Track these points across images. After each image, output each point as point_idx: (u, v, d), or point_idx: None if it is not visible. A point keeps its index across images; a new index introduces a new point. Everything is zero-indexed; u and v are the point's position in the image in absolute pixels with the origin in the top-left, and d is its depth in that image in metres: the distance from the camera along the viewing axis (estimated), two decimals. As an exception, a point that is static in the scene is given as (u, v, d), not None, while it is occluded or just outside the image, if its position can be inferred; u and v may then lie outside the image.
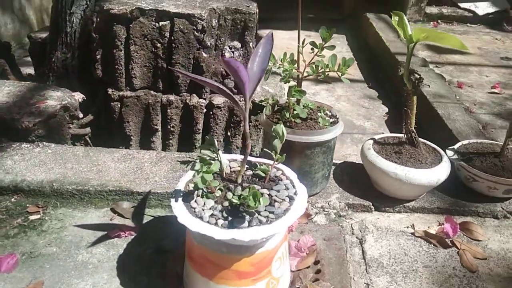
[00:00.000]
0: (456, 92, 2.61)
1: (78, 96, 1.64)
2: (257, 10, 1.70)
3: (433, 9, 4.01)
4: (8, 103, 1.49)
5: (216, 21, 1.63)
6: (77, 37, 1.77)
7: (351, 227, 1.21)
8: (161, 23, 1.56)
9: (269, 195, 0.91)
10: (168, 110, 1.69)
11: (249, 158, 1.05)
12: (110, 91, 1.66)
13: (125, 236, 1.16)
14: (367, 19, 3.87)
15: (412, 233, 1.19)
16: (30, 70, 2.41)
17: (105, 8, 1.54)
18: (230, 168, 1.00)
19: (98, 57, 1.63)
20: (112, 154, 1.42)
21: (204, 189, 0.90)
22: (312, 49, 1.15)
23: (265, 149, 0.96)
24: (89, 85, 1.80)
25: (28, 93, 1.57)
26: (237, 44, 1.70)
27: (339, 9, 4.49)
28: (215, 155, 0.96)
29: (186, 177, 0.97)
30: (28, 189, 1.26)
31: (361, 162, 1.41)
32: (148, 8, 1.55)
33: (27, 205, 1.24)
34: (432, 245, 1.15)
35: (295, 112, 1.16)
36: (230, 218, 0.84)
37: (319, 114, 1.23)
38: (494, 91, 2.68)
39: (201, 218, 0.85)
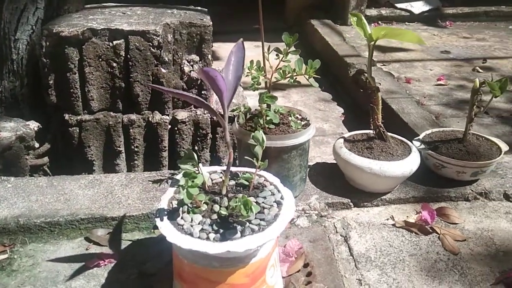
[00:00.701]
0: (406, 87, 2.72)
1: (33, 125, 1.55)
2: (211, 23, 1.69)
3: (372, 11, 4.18)
4: (-44, 140, 1.38)
5: (171, 36, 1.60)
6: (24, 64, 1.67)
7: (334, 225, 1.21)
8: (115, 42, 1.52)
9: (256, 202, 0.89)
10: (131, 130, 1.64)
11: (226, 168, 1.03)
12: (66, 116, 1.59)
13: (104, 265, 1.10)
14: (312, 26, 3.97)
15: (393, 225, 1.21)
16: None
17: (54, 31, 1.47)
18: (212, 180, 0.98)
19: (51, 82, 1.55)
20: (78, 181, 1.35)
21: (189, 205, 0.87)
22: (277, 55, 1.15)
23: (246, 157, 0.95)
24: (42, 112, 1.71)
25: (-22, 127, 1.46)
26: (195, 57, 1.68)
27: (283, 18, 4.57)
28: (196, 168, 0.93)
29: (167, 194, 0.94)
30: (-9, 228, 1.17)
31: (332, 162, 1.43)
32: (100, 28, 1.50)
33: (-9, 245, 1.15)
34: (413, 233, 1.18)
35: (268, 118, 1.16)
36: (221, 231, 0.82)
37: (290, 118, 1.23)
38: (440, 83, 2.82)
39: (191, 234, 0.82)
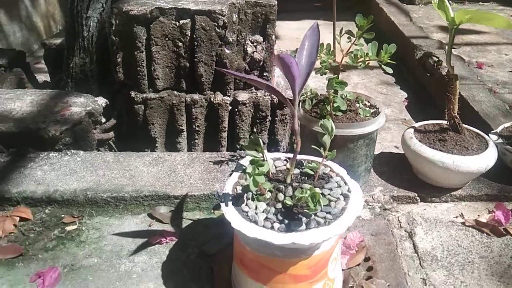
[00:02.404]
0: (477, 73, 2.55)
1: (102, 101, 1.61)
2: (276, 2, 1.65)
3: (444, -11, 3.93)
4: (32, 112, 1.46)
5: (236, 16, 1.58)
6: (94, 41, 1.73)
7: (398, 220, 1.16)
8: (181, 21, 1.52)
9: (322, 194, 0.87)
10: (193, 110, 1.65)
11: (290, 155, 1.01)
12: (133, 94, 1.62)
13: (166, 242, 1.12)
14: (376, 4, 3.81)
15: (463, 223, 1.14)
16: (44, 77, 2.38)
17: (124, 9, 1.49)
18: (276, 167, 0.96)
19: (119, 60, 1.59)
20: (143, 158, 1.38)
21: (254, 192, 0.86)
22: (349, 38, 1.10)
23: (312, 146, 0.92)
24: (109, 89, 1.77)
25: (51, 101, 1.53)
26: (259, 38, 1.65)
27: (347, -5, 4.40)
28: (261, 155, 0.92)
29: (232, 179, 0.93)
30: (62, 199, 1.23)
31: (398, 152, 1.37)
32: (167, 7, 1.50)
33: (62, 215, 1.22)
34: (485, 234, 1.11)
35: (335, 104, 1.11)
36: (286, 221, 0.81)
37: (357, 105, 1.18)
38: (516, 70, 2.62)
39: (255, 222, 0.81)
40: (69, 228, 1.18)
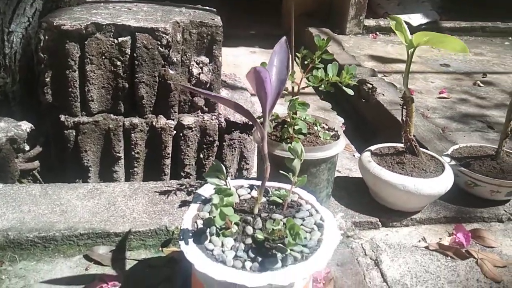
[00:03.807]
0: (409, 99, 2.65)
1: (26, 126, 1.41)
2: (222, 23, 1.58)
3: (371, 22, 4.13)
4: None
5: (180, 35, 1.48)
6: (17, 59, 1.53)
7: (362, 247, 1.11)
8: (120, 39, 1.39)
9: (294, 224, 0.78)
10: (132, 135, 1.50)
11: (252, 182, 0.93)
12: (62, 117, 1.44)
13: (108, 288, 0.96)
14: (310, 34, 3.89)
15: (426, 247, 1.11)
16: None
17: (55, 24, 1.34)
18: (239, 196, 0.86)
19: (47, 79, 1.41)
20: (76, 190, 1.21)
21: (219, 226, 0.76)
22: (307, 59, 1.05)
23: (281, 172, 0.83)
24: (34, 112, 1.57)
25: (-37, 126, 1.31)
26: (204, 59, 1.56)
27: (280, 25, 4.49)
28: (224, 182, 0.82)
29: (190, 212, 0.82)
30: (-24, 243, 1.02)
31: (354, 176, 1.33)
32: (105, 23, 1.37)
33: (-24, 263, 1.01)
34: (449, 257, 1.08)
35: (296, 127, 1.05)
36: (259, 259, 0.70)
37: (315, 128, 1.13)
38: (442, 96, 2.77)
39: (223, 262, 0.70)
40: (-15, 277, 0.97)
